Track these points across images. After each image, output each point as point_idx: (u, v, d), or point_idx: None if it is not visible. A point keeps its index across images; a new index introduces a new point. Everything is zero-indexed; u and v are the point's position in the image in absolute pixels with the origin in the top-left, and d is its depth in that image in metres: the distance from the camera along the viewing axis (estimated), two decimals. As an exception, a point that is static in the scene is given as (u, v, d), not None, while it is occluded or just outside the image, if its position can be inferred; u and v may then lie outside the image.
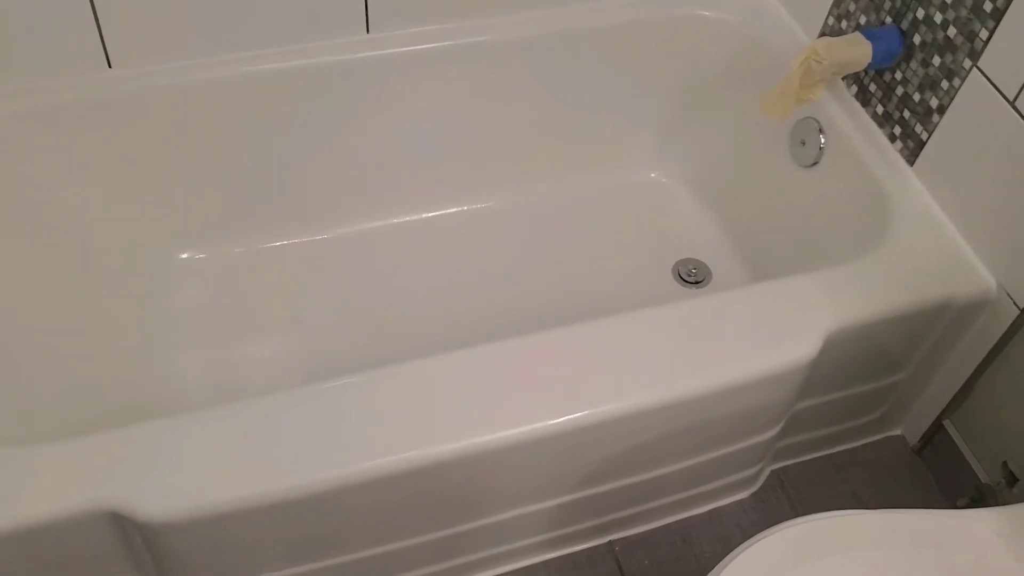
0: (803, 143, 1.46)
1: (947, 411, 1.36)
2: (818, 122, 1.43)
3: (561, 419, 1.04)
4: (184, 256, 1.55)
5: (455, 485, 1.07)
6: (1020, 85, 1.13)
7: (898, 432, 1.48)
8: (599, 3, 1.55)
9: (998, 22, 1.14)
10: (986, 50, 1.17)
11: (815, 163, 1.45)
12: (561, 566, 1.29)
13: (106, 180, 1.43)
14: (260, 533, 1.02)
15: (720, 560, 0.86)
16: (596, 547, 1.31)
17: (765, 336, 1.12)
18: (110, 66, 1.36)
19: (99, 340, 1.37)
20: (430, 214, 1.66)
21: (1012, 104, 1.14)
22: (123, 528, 0.97)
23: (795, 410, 1.27)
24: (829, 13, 1.45)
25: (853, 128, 1.38)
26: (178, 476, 0.96)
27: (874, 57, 1.31)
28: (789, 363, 1.11)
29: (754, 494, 1.39)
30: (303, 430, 0.99)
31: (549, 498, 1.18)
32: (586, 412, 1.04)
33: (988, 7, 1.15)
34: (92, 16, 1.30)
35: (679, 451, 1.20)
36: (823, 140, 1.42)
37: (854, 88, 1.42)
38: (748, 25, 1.55)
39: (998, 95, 1.16)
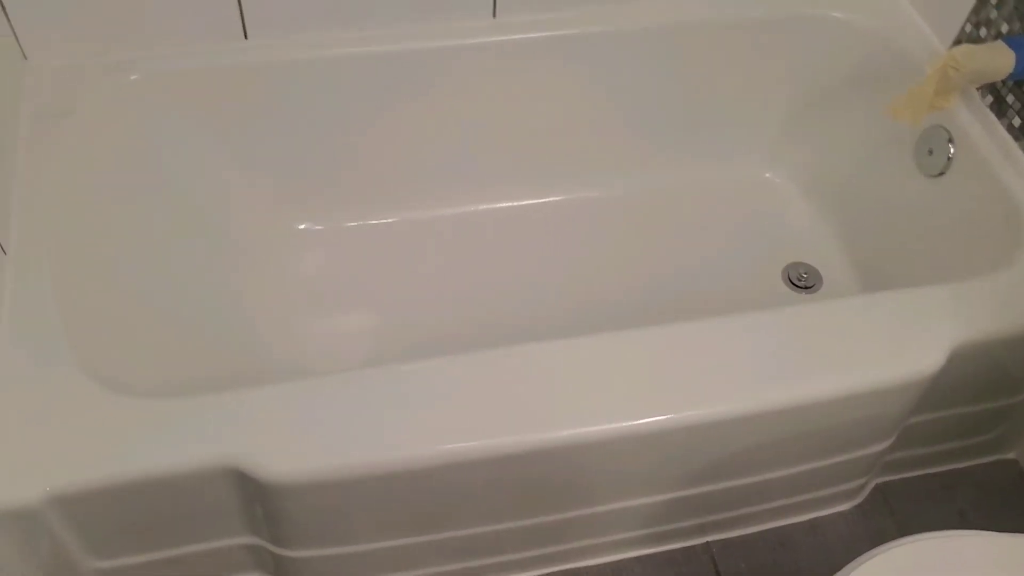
0: (930, 152, 1.42)
1: (1068, 438, 1.32)
2: (948, 131, 1.39)
3: (667, 416, 1.03)
4: (302, 227, 1.58)
5: (558, 473, 1.07)
6: None
7: (1012, 456, 1.43)
8: (731, -3, 1.54)
9: None
10: None
11: (941, 173, 1.40)
12: (657, 562, 1.28)
13: (234, 148, 1.47)
14: (368, 502, 1.04)
15: (822, 570, 0.84)
16: (693, 547, 1.30)
17: (887, 345, 1.09)
18: (246, 37, 1.39)
19: (219, 304, 1.41)
20: (535, 201, 1.66)
21: None
22: (242, 486, 1.00)
23: (908, 424, 1.24)
24: (967, 20, 1.40)
25: (986, 139, 1.34)
26: (298, 439, 0.98)
27: (1016, 67, 1.26)
28: (911, 375, 1.09)
29: (857, 506, 1.36)
30: (418, 403, 1.01)
31: (650, 494, 1.17)
32: (695, 412, 1.03)
33: None
34: (234, -14, 1.33)
35: (787, 458, 1.18)
36: (952, 150, 1.38)
37: (989, 98, 1.37)
38: (879, 28, 1.51)
39: None
